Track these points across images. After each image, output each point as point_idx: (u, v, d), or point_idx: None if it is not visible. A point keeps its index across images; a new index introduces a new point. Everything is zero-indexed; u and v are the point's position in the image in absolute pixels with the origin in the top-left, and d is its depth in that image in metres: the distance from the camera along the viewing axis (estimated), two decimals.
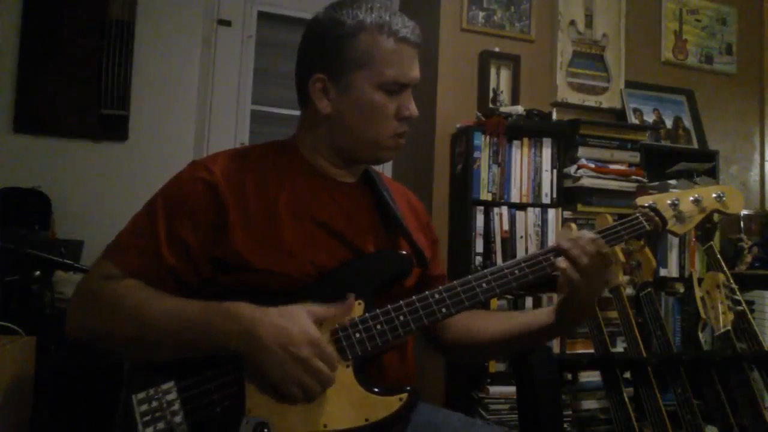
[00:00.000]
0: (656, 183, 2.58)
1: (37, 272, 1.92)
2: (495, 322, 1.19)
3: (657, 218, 1.19)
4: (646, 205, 1.20)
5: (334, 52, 1.04)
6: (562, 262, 1.03)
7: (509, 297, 2.28)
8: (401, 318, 0.98)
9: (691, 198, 1.24)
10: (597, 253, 1.03)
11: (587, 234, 1.06)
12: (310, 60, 1.08)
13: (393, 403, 0.96)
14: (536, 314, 1.16)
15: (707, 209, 1.24)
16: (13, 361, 1.67)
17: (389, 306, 0.99)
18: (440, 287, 1.02)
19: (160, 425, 0.88)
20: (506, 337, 1.16)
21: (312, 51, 1.08)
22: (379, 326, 0.97)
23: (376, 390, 0.96)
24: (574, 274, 1.02)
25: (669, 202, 1.22)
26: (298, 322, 0.90)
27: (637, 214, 1.18)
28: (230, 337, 0.90)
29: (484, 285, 1.03)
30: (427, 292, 1.01)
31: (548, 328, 1.13)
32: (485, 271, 1.05)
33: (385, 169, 2.91)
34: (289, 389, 0.89)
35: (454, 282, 1.03)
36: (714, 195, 1.26)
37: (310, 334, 0.90)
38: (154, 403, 0.90)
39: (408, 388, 0.98)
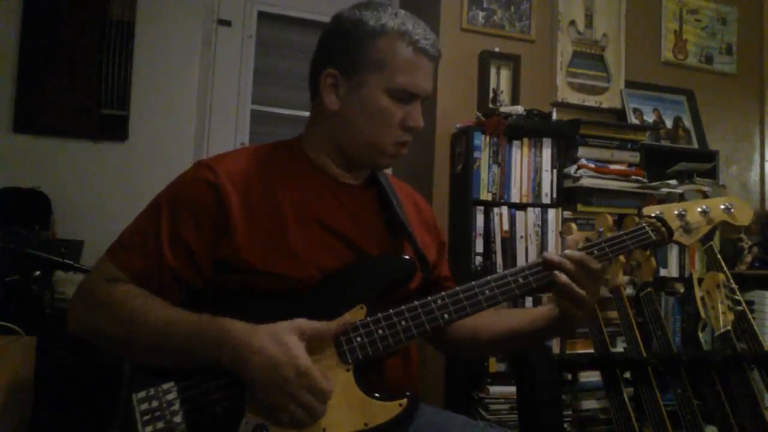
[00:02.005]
0: (656, 183, 2.58)
1: (37, 272, 1.92)
2: (497, 320, 1.18)
3: (663, 229, 1.18)
4: (653, 215, 1.19)
5: (351, 49, 1.03)
6: (561, 278, 1.03)
7: None
8: (403, 323, 0.98)
9: (699, 209, 1.23)
10: (593, 271, 1.03)
11: (583, 255, 1.05)
12: (326, 53, 1.08)
13: (393, 408, 0.95)
14: (535, 315, 1.15)
15: (714, 220, 1.24)
16: (13, 361, 1.67)
17: (391, 310, 0.98)
18: (443, 293, 1.01)
19: (160, 425, 0.88)
20: (507, 335, 1.16)
21: (329, 45, 1.08)
22: (380, 331, 0.97)
23: (376, 395, 0.96)
24: (573, 292, 1.02)
25: (676, 212, 1.21)
26: (289, 349, 0.87)
27: (644, 225, 1.17)
28: (220, 359, 0.89)
29: (487, 292, 1.02)
30: (429, 298, 1.00)
31: (547, 330, 1.13)
32: (488, 277, 1.04)
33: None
34: (277, 417, 0.88)
35: (457, 288, 1.02)
36: (722, 207, 1.25)
37: (299, 364, 0.87)
38: (154, 403, 0.90)
39: (408, 393, 0.97)
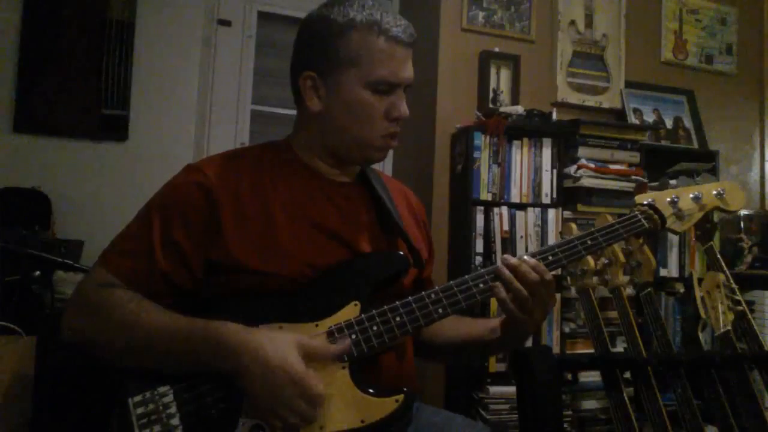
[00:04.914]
0: (656, 183, 2.58)
1: (37, 272, 1.92)
2: (450, 327, 1.19)
3: (656, 216, 1.17)
4: (645, 202, 1.19)
5: (323, 50, 1.03)
6: (500, 292, 1.00)
7: None
8: (397, 319, 0.98)
9: (691, 195, 1.22)
10: (539, 281, 1.00)
11: (529, 260, 1.02)
12: (301, 57, 1.08)
13: (389, 404, 0.95)
14: (486, 327, 1.15)
15: (707, 206, 1.22)
16: (13, 361, 1.66)
17: (385, 307, 0.98)
18: (437, 287, 1.02)
19: (157, 428, 0.88)
20: (457, 344, 1.18)
21: (303, 48, 1.08)
22: (375, 327, 0.97)
23: (371, 391, 0.96)
24: (512, 307, 1.01)
25: (668, 199, 1.20)
26: (285, 357, 0.87)
27: (636, 212, 1.17)
28: (215, 363, 0.89)
29: (481, 285, 1.02)
30: (423, 293, 1.00)
31: (496, 343, 1.13)
32: (482, 270, 1.04)
33: (386, 169, 2.91)
34: (271, 421, 0.88)
35: (451, 282, 1.02)
36: (714, 192, 1.24)
37: (293, 371, 0.87)
38: (151, 406, 0.90)
39: (404, 389, 0.97)
